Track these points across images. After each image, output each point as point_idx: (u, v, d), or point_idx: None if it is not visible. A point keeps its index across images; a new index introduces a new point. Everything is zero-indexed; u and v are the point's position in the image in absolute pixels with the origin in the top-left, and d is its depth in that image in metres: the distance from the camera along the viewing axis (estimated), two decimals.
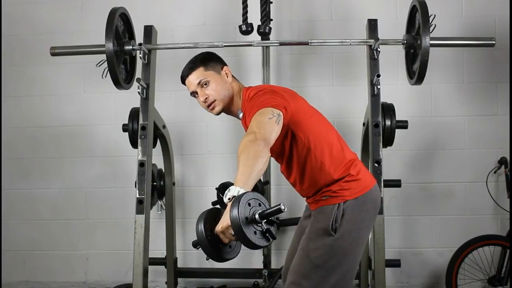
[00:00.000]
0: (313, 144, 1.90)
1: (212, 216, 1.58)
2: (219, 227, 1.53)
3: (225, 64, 2.08)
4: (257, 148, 1.60)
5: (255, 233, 1.45)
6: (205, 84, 2.00)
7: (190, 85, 2.04)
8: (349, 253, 1.90)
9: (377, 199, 1.99)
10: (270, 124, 1.70)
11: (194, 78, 2.01)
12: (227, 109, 2.07)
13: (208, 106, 2.03)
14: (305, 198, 2.08)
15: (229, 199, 1.51)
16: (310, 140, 1.90)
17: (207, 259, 1.59)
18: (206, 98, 2.01)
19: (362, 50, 3.05)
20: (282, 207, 1.43)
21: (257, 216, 1.45)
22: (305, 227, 2.04)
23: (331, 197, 1.91)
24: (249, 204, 1.46)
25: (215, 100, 2.01)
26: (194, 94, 2.05)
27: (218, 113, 2.07)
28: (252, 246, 1.46)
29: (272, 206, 1.48)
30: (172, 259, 3.31)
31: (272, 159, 2.01)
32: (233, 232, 1.47)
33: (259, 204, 1.49)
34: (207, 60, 2.04)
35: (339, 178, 1.90)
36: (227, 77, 2.05)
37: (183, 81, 2.07)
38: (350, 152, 2.00)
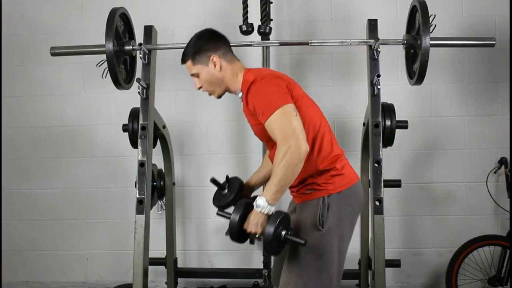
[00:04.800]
0: (306, 132, 1.90)
1: (245, 213, 1.85)
2: (251, 229, 1.82)
3: (216, 51, 2.04)
4: (298, 166, 1.77)
5: (277, 244, 1.83)
6: (198, 76, 2.07)
7: (187, 70, 2.11)
8: (336, 248, 1.94)
9: (360, 194, 2.03)
10: (298, 124, 1.79)
11: (187, 68, 2.09)
12: (226, 91, 2.10)
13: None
14: (289, 191, 2.08)
15: (261, 211, 1.79)
16: (304, 128, 1.90)
17: (226, 234, 1.87)
18: (200, 87, 2.09)
19: (362, 50, 3.04)
20: (303, 242, 1.80)
21: (282, 237, 1.81)
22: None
23: (315, 190, 1.94)
24: (280, 224, 1.80)
25: (208, 90, 2.09)
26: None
27: (218, 98, 2.13)
28: (271, 253, 1.90)
29: (295, 235, 1.86)
30: (172, 259, 3.31)
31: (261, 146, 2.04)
32: (258, 233, 1.81)
33: (286, 225, 1.83)
34: (195, 52, 2.04)
35: (324, 170, 1.94)
36: (215, 66, 2.03)
37: None
38: (338, 147, 2.04)
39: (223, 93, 2.10)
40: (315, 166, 1.93)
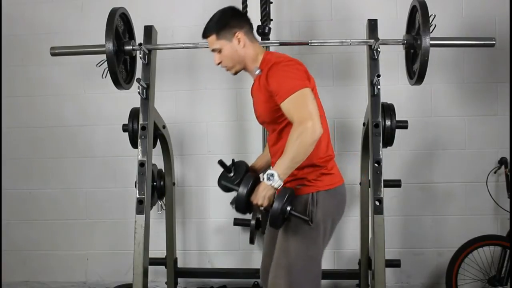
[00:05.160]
0: None
1: (253, 186, 1.92)
2: (258, 201, 1.87)
3: (240, 28, 2.06)
4: (312, 147, 1.81)
5: (282, 218, 1.91)
6: (219, 51, 2.07)
7: (208, 44, 2.11)
8: (321, 243, 2.02)
9: (345, 195, 2.12)
10: (314, 107, 1.85)
11: (209, 42, 2.09)
12: (243, 69, 2.13)
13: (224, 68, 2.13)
14: None
15: (271, 184, 1.83)
16: None
17: (231, 204, 1.94)
18: (219, 62, 2.10)
19: (362, 50, 3.04)
20: (307, 219, 1.91)
21: (288, 212, 1.89)
22: None
23: (305, 186, 2.00)
24: (287, 199, 1.88)
25: (227, 65, 2.10)
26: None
27: (234, 75, 2.16)
28: (275, 226, 1.93)
29: (300, 212, 1.93)
30: (172, 259, 3.31)
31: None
32: (263, 206, 1.88)
33: (291, 201, 1.90)
34: (220, 28, 2.05)
35: (317, 165, 2.00)
36: (239, 43, 2.06)
37: None
38: (332, 149, 2.10)
39: (240, 70, 2.13)
40: (310, 158, 1.94)
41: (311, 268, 2.01)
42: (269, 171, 1.85)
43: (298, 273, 1.97)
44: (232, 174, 2.14)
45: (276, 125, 2.03)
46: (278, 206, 1.86)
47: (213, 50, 2.09)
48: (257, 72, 2.05)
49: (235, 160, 2.19)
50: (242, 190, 1.90)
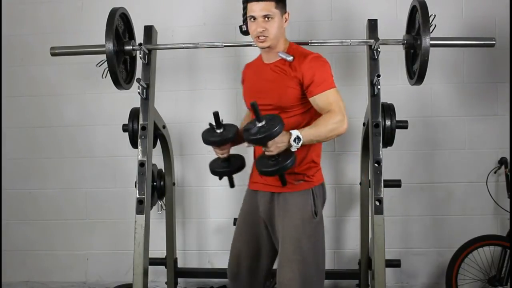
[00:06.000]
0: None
1: None
2: (272, 147, 1.90)
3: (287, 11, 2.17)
4: (334, 136, 2.00)
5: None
6: (269, 18, 2.06)
7: (253, 10, 2.07)
8: (323, 234, 2.17)
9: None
10: (344, 106, 2.04)
11: (262, 7, 2.05)
12: (271, 47, 2.15)
13: (259, 37, 2.09)
14: (260, 180, 2.21)
15: (291, 143, 1.91)
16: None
17: (252, 135, 1.92)
18: (263, 30, 2.07)
19: (362, 50, 3.04)
20: (286, 184, 2.05)
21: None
22: (256, 209, 2.22)
23: (304, 182, 2.12)
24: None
25: (268, 36, 2.08)
26: (251, 18, 2.09)
27: (264, 48, 2.14)
28: (268, 173, 2.01)
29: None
30: (172, 259, 3.31)
31: None
32: (272, 153, 1.93)
33: None
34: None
35: (314, 161, 2.15)
36: (285, 22, 2.16)
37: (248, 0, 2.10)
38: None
39: (271, 46, 2.12)
40: (310, 153, 2.13)
41: (319, 259, 2.13)
42: (298, 134, 1.91)
43: (310, 266, 2.07)
44: (220, 131, 2.13)
45: (283, 113, 2.06)
46: (292, 162, 1.93)
47: (265, 16, 2.05)
48: (290, 58, 2.09)
49: (225, 122, 2.17)
50: (280, 128, 1.88)
